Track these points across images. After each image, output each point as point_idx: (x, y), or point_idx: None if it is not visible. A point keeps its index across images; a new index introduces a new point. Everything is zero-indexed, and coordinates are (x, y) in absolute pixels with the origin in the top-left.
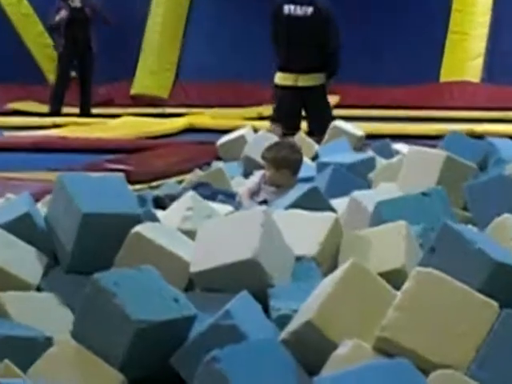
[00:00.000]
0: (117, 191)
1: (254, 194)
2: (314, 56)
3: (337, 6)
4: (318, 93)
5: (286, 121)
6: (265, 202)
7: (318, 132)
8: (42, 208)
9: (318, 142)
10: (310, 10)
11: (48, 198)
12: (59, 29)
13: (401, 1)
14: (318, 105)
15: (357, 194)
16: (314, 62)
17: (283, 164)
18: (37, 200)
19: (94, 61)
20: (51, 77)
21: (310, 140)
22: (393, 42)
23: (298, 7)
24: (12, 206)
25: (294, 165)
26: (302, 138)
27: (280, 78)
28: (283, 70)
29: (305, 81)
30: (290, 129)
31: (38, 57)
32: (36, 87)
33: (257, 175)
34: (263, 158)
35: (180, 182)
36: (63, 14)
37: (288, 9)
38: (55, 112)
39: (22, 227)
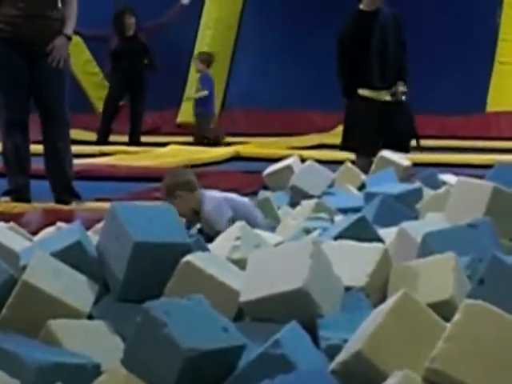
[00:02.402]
0: (167, 220)
1: None
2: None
3: None
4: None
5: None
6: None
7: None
8: (92, 236)
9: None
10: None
11: (98, 226)
12: (113, 58)
13: (448, 31)
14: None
15: (405, 224)
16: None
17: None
18: (86, 228)
19: (146, 91)
20: (99, 105)
21: (356, 170)
22: (440, 72)
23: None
24: (63, 235)
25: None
26: (348, 167)
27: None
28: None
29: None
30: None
31: (86, 85)
32: (83, 115)
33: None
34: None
35: None
36: (115, 43)
37: None
38: (103, 141)
39: (74, 255)
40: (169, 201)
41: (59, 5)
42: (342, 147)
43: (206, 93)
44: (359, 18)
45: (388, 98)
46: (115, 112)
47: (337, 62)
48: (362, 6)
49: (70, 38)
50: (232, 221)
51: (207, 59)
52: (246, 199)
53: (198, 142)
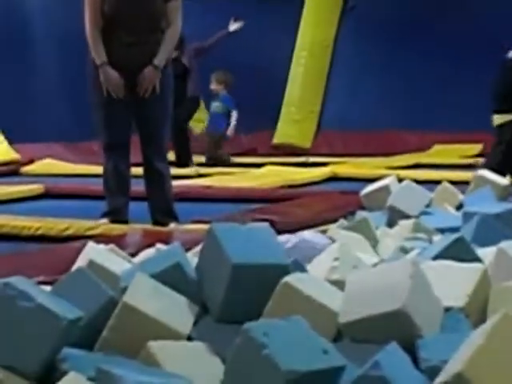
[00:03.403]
0: (265, 241)
1: None
2: None
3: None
4: None
5: None
6: None
7: None
8: (191, 258)
9: None
10: None
11: (197, 248)
12: None
13: None
14: None
15: (504, 244)
16: None
17: None
18: (186, 250)
19: (189, 108)
20: (196, 125)
21: (454, 189)
22: None
23: None
24: (163, 256)
25: None
26: (445, 186)
27: None
28: None
29: None
30: None
31: None
32: None
33: None
34: None
35: (324, 232)
36: None
37: None
38: (183, 165)
39: (173, 277)
40: None
41: (162, 27)
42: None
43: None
44: None
45: None
46: (183, 133)
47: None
48: None
49: (158, 68)
50: None
51: (224, 80)
52: None
53: (207, 162)
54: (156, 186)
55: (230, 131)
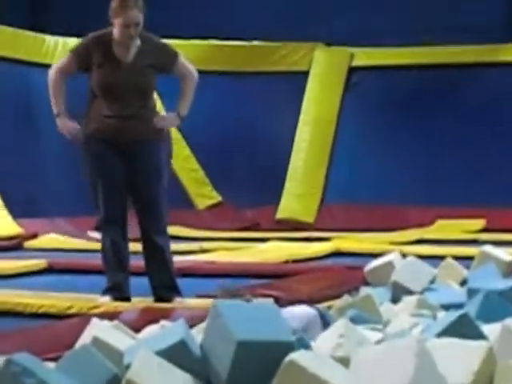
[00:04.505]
0: (270, 318)
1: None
2: None
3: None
4: None
5: None
6: None
7: None
8: (196, 335)
9: None
10: None
11: (202, 325)
12: None
13: None
14: None
15: (509, 321)
16: None
17: None
18: (190, 326)
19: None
20: (199, 201)
21: (457, 265)
22: None
23: None
24: (167, 333)
25: None
26: (449, 262)
27: None
28: None
29: None
30: None
31: (186, 181)
32: (183, 212)
33: None
34: None
35: (329, 308)
36: None
37: None
38: None
39: (178, 354)
40: None
41: (152, 104)
42: None
43: None
44: None
45: None
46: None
47: None
48: None
49: (180, 116)
50: None
51: None
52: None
53: None
54: (155, 260)
55: None
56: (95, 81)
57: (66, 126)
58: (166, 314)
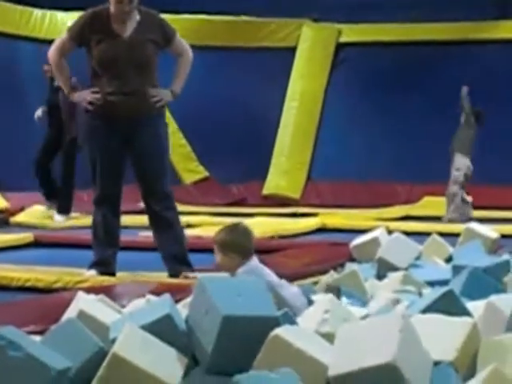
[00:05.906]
0: (255, 293)
1: None
2: None
3: None
4: None
5: None
6: None
7: None
8: (182, 309)
9: None
10: None
11: (188, 299)
12: None
13: None
14: None
15: (493, 297)
16: None
17: (232, 248)
18: (176, 301)
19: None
20: (186, 176)
21: (443, 241)
22: None
23: None
24: (153, 308)
25: (243, 250)
26: (435, 239)
27: None
28: None
29: None
30: None
31: (173, 156)
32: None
33: None
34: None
35: (315, 284)
36: None
37: None
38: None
39: (163, 328)
40: (216, 249)
41: (156, 82)
42: None
43: None
44: None
45: None
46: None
47: None
48: None
49: (174, 93)
50: None
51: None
52: (294, 289)
53: None
54: (165, 234)
55: None
56: (95, 57)
57: (82, 96)
58: (152, 289)
